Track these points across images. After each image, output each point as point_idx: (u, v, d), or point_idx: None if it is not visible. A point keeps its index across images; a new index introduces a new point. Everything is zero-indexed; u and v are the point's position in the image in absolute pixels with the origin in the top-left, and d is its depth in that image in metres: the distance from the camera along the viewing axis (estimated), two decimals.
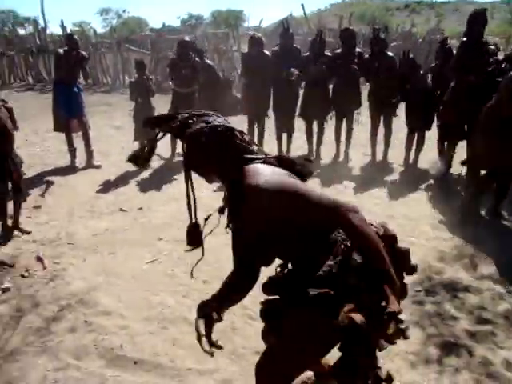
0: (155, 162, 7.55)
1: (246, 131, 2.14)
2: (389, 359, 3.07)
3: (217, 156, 2.00)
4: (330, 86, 7.42)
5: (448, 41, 7.36)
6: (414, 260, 2.17)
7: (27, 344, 3.35)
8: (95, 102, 12.67)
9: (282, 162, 2.05)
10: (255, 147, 2.07)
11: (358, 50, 7.40)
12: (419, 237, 4.94)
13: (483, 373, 3.01)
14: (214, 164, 2.02)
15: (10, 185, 4.97)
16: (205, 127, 1.98)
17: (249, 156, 2.00)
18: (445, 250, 4.67)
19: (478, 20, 5.96)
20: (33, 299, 3.89)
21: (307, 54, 7.29)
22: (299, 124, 7.77)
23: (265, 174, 1.90)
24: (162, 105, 8.40)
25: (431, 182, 6.66)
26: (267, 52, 7.34)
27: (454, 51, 6.61)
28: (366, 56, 7.24)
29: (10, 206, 5.10)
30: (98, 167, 7.49)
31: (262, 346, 2.32)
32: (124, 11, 60.88)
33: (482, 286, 4.01)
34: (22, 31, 27.72)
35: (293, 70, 6.94)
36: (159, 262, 4.45)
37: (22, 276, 4.26)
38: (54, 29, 20.08)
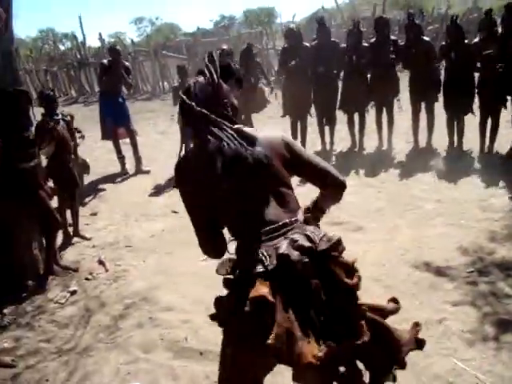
0: None
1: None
2: (446, 338, 3.14)
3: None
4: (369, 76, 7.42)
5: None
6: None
7: (98, 340, 3.57)
8: (139, 110, 13.01)
9: None
10: None
11: (392, 37, 7.35)
12: (469, 219, 4.92)
13: None
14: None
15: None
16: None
17: None
18: (496, 230, 4.63)
19: None
20: (99, 300, 4.13)
21: (344, 45, 7.31)
22: (340, 116, 7.80)
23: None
24: None
25: (477, 164, 6.57)
26: (307, 44, 7.39)
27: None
28: (401, 43, 7.21)
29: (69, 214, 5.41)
30: (147, 172, 7.73)
31: None
32: (157, 18, 61.64)
33: None
34: (61, 47, 28.59)
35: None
36: None
37: (87, 279, 4.52)
38: (92, 42, 20.69)
